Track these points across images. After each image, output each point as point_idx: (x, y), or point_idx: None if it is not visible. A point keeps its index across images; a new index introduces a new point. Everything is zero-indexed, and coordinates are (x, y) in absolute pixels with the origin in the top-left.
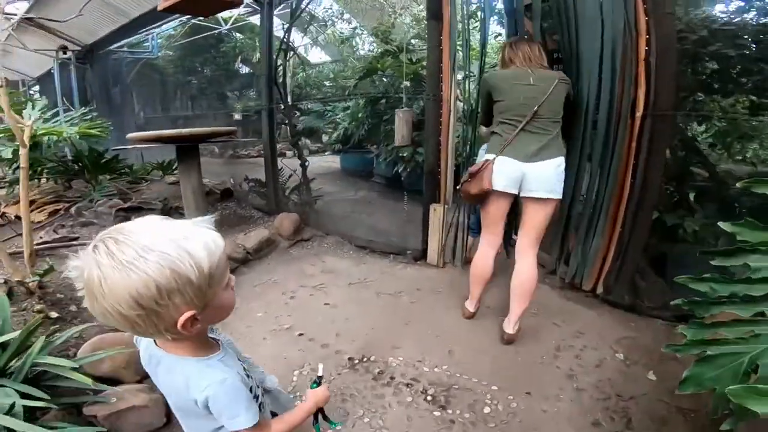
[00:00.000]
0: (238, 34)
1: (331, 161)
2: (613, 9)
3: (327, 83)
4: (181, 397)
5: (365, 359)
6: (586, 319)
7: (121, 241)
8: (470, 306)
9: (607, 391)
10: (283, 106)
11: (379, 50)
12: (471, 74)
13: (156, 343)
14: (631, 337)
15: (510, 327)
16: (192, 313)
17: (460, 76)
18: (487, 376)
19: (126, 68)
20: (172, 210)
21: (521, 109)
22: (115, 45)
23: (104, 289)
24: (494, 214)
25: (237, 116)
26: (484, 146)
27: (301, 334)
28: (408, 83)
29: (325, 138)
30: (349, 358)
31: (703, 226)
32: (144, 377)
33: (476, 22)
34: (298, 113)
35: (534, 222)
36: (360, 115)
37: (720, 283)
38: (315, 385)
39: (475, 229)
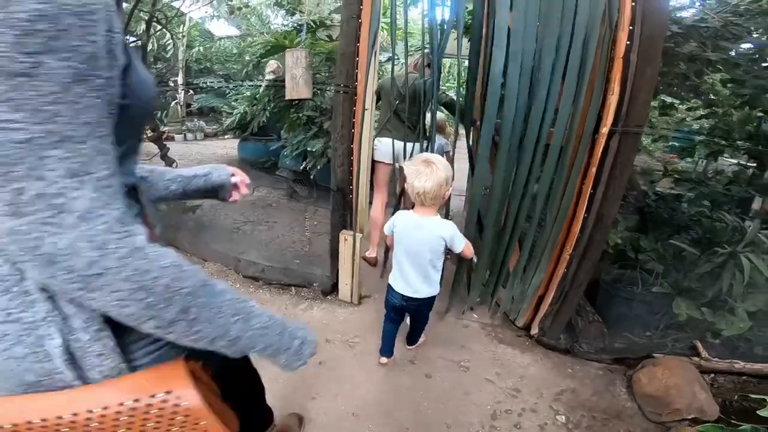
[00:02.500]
0: None
1: (231, 148)
2: None
3: (234, 59)
4: (433, 239)
5: None
6: (521, 368)
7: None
8: (374, 252)
9: None
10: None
11: (293, 25)
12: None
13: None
14: (571, 390)
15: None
16: (450, 189)
17: (383, 57)
18: None
19: None
20: None
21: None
22: None
23: (435, 173)
24: (382, 179)
25: None
26: None
27: None
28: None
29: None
30: None
31: (624, 238)
32: None
33: None
34: (191, 92)
35: None
36: (261, 98)
37: None
38: None
39: None
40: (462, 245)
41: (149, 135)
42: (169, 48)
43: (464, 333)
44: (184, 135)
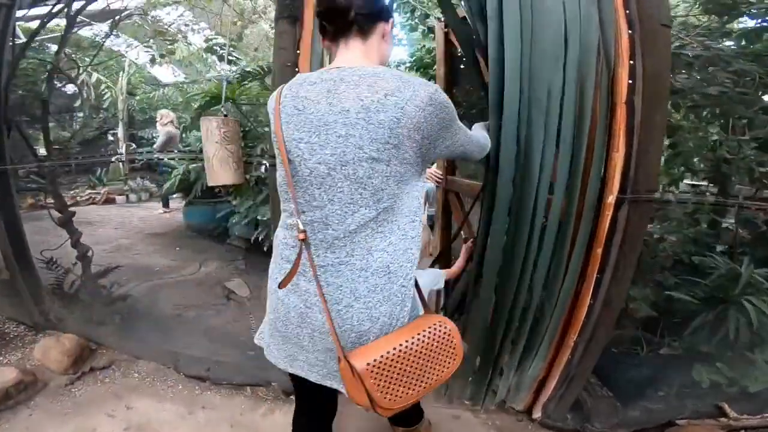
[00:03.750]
0: (52, 46)
1: (178, 209)
2: (581, 12)
3: (181, 108)
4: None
5: None
6: None
7: None
8: None
9: None
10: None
11: (237, 70)
12: None
13: None
14: None
15: None
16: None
17: None
18: None
19: None
20: None
21: None
22: None
23: None
24: None
25: (43, 151)
26: None
27: None
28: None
29: (165, 185)
30: None
31: None
32: None
33: None
34: (133, 145)
35: None
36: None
37: None
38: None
39: None
40: (441, 281)
41: (57, 217)
42: (106, 97)
43: (456, 426)
44: (127, 196)
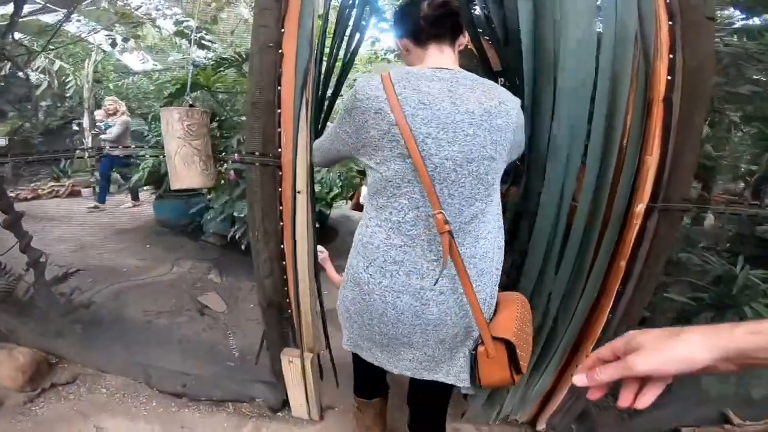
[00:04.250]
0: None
1: (149, 202)
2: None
3: (153, 97)
4: None
5: None
6: None
7: None
8: None
9: None
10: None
11: (212, 56)
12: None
13: None
14: None
15: None
16: None
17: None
18: None
19: None
20: None
21: None
22: None
23: None
24: None
25: (1, 141)
26: None
27: None
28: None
29: (133, 178)
30: None
31: None
32: None
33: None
34: (99, 136)
35: None
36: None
37: None
38: None
39: None
40: None
41: (2, 219)
42: (70, 85)
43: None
44: (93, 188)
